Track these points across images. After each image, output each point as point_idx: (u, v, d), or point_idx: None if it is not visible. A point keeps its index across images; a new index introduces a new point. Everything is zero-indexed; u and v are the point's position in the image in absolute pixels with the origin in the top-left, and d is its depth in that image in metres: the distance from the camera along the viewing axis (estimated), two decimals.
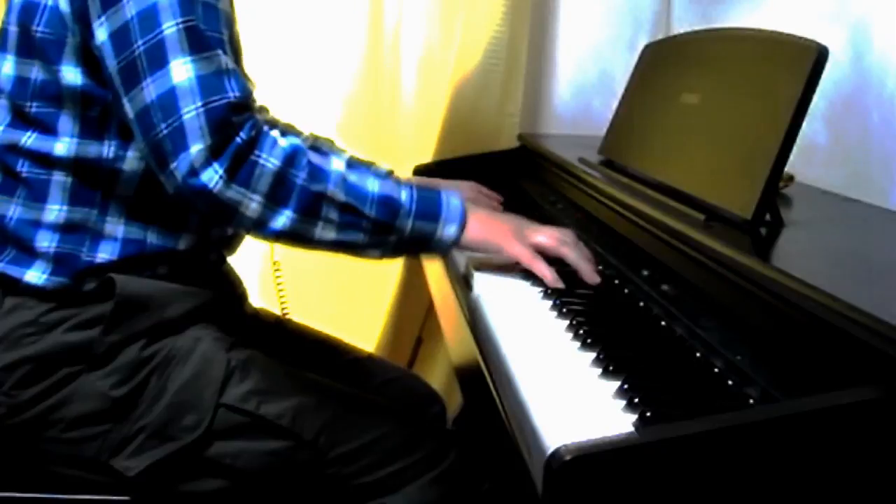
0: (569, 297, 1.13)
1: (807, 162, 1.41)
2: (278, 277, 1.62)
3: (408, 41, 2.04)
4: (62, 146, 1.14)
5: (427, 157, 2.02)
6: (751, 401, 0.85)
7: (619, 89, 1.70)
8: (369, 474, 1.20)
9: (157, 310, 1.17)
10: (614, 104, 1.70)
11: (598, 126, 1.75)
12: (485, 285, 1.18)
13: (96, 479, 1.17)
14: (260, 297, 1.80)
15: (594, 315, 1.06)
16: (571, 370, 0.93)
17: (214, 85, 1.04)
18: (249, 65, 1.34)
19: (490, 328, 1.07)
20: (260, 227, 1.08)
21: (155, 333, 1.17)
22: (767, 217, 1.14)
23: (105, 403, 1.15)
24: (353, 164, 1.16)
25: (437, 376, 2.13)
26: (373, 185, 1.12)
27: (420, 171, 1.86)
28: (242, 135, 1.05)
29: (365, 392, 1.35)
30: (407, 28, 2.04)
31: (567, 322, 1.04)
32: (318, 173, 1.09)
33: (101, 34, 1.06)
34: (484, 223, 1.18)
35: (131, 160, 1.15)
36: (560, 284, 1.15)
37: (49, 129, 1.14)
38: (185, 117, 1.03)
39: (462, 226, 1.16)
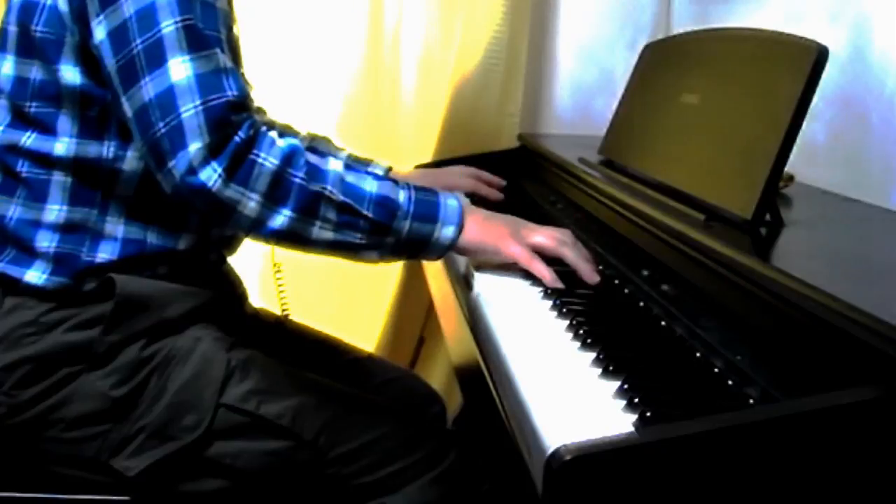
0: (569, 297, 1.13)
1: (807, 162, 1.40)
2: (279, 277, 1.62)
3: (408, 41, 2.04)
4: (62, 146, 1.14)
5: (427, 156, 2.02)
6: (751, 401, 0.85)
7: (619, 89, 1.70)
8: (369, 474, 1.20)
9: (157, 310, 1.18)
10: (614, 104, 1.70)
11: (598, 126, 1.75)
12: (485, 285, 1.18)
13: (96, 479, 1.17)
14: (260, 297, 1.80)
15: (594, 315, 1.06)
16: (571, 370, 0.93)
17: (213, 83, 1.04)
18: (249, 64, 1.34)
19: (490, 328, 1.07)
20: (258, 227, 1.08)
21: (155, 333, 1.17)
22: (767, 217, 1.14)
23: (105, 403, 1.15)
24: (350, 164, 1.16)
25: (437, 376, 2.13)
26: (370, 186, 1.12)
27: None
28: (241, 134, 1.05)
29: (365, 392, 1.35)
30: (407, 28, 2.03)
31: (567, 322, 1.04)
32: (315, 173, 1.09)
33: (100, 33, 1.06)
34: (481, 225, 1.18)
35: (131, 160, 1.15)
36: (559, 284, 1.15)
37: (48, 129, 1.14)
38: (184, 116, 1.03)
39: (460, 227, 1.16)
